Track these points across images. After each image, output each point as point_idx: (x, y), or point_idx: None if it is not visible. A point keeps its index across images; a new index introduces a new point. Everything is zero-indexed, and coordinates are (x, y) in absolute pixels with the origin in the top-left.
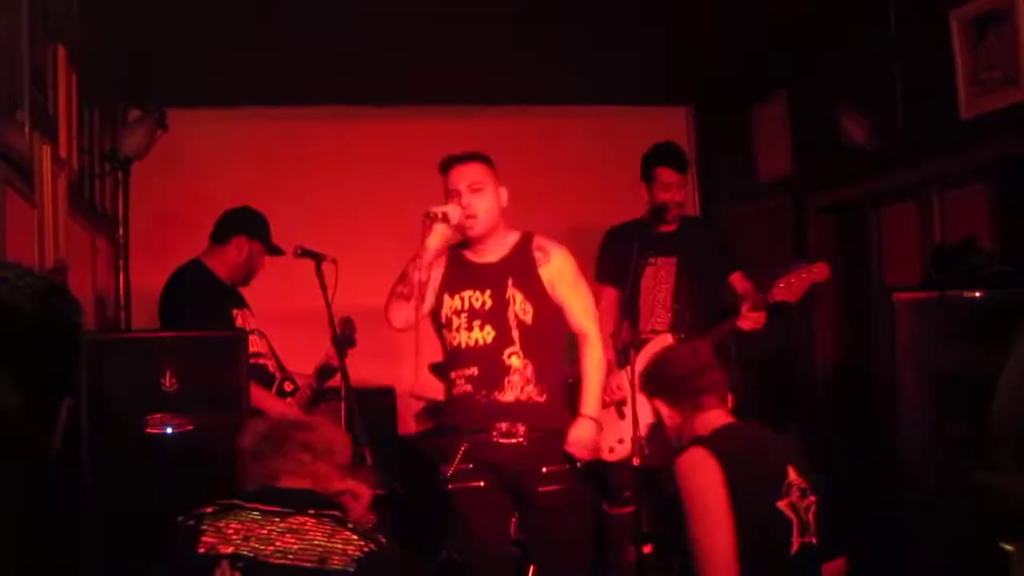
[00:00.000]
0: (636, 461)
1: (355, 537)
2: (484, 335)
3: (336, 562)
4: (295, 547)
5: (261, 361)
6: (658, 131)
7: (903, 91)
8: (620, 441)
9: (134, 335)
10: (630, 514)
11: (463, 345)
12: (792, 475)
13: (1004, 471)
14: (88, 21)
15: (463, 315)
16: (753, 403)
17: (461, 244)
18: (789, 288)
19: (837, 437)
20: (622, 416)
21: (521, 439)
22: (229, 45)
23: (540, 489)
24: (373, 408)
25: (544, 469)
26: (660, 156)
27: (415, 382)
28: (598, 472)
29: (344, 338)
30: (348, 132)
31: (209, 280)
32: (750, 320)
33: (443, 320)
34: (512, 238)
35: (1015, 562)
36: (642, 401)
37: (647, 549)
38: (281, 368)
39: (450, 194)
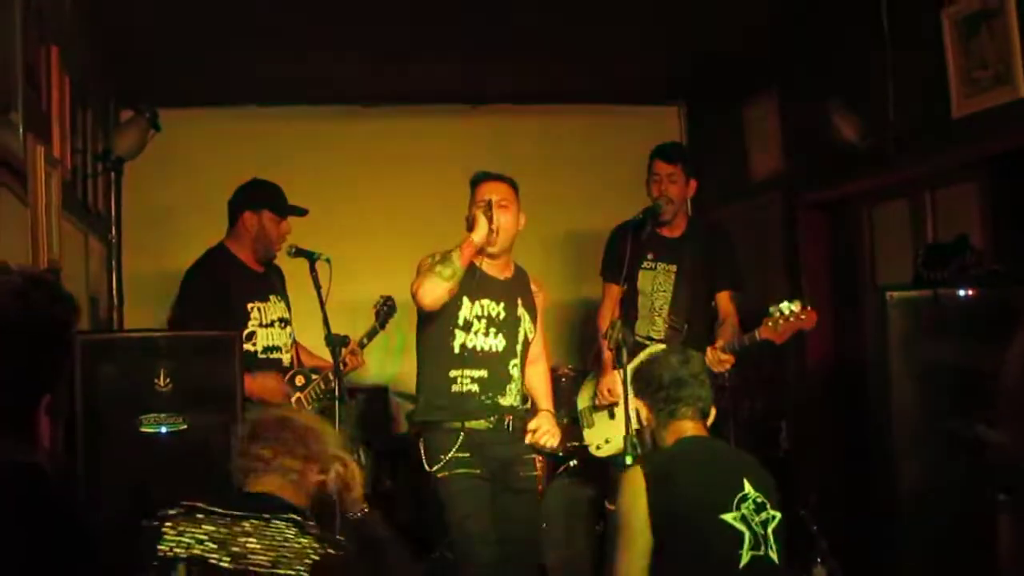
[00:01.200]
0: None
1: (311, 542)
2: (496, 343)
3: (289, 567)
4: (251, 551)
5: (275, 356)
6: (650, 130)
7: (895, 89)
8: (607, 440)
9: (127, 335)
10: None
11: (477, 348)
12: (748, 488)
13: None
14: (81, 21)
15: (483, 320)
16: (744, 400)
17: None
18: (776, 330)
19: (828, 434)
20: (612, 416)
21: (512, 433)
22: (222, 45)
23: (521, 474)
24: (367, 407)
25: (524, 456)
26: (655, 150)
27: None
28: (601, 471)
29: (388, 310)
30: (343, 131)
31: (222, 270)
32: (717, 363)
33: (461, 321)
34: (512, 263)
35: (1003, 510)
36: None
37: None
38: (298, 361)
39: (477, 204)
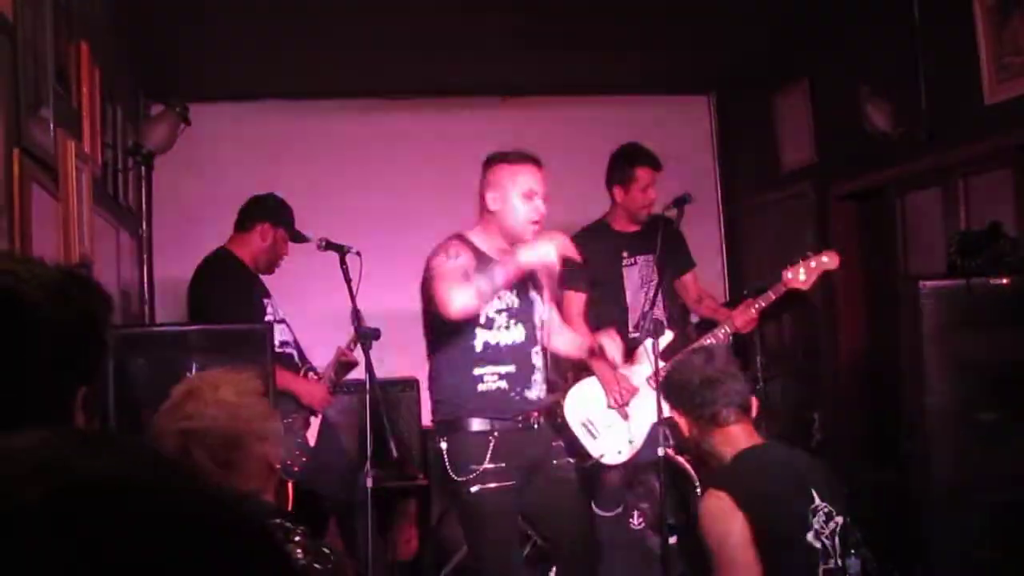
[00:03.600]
0: (662, 451)
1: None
2: (518, 334)
3: None
4: None
5: (288, 351)
6: (681, 119)
7: (926, 76)
8: (630, 442)
9: (159, 329)
10: (617, 516)
11: (502, 344)
12: (816, 499)
13: None
14: (111, 17)
15: (503, 314)
16: (777, 393)
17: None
18: (799, 277)
19: (862, 424)
20: (627, 417)
21: (539, 431)
22: (251, 39)
23: (555, 463)
24: (396, 400)
25: (554, 451)
26: (637, 156)
27: None
28: (588, 474)
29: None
30: (371, 125)
31: (237, 268)
32: (749, 323)
33: (483, 320)
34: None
35: None
36: (650, 396)
37: (672, 540)
38: (304, 358)
39: (529, 194)
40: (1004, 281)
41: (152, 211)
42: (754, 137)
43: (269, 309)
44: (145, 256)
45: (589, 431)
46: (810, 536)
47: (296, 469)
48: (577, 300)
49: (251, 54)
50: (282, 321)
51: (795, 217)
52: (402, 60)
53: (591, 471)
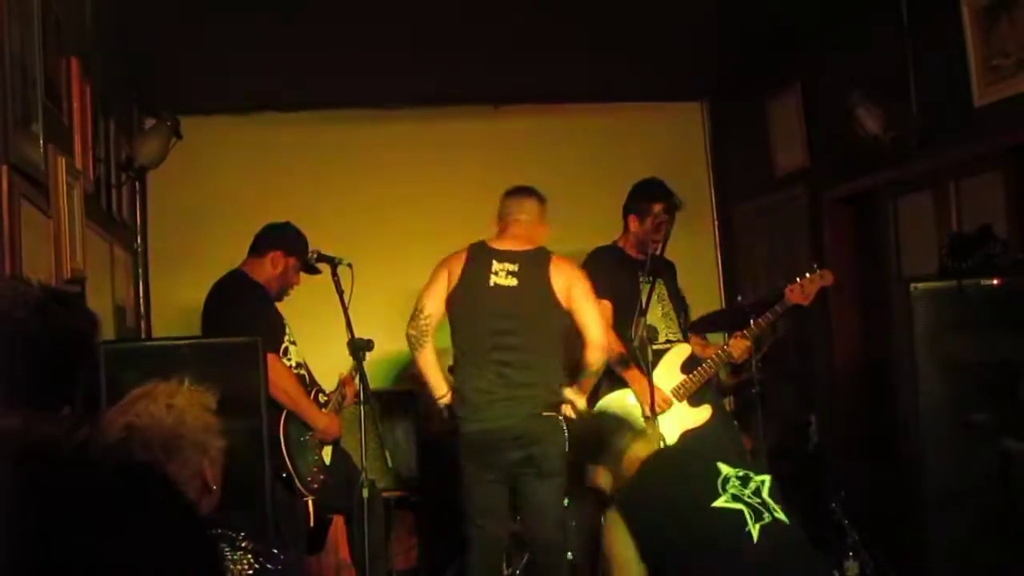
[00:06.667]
0: None
1: (244, 556)
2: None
3: None
4: None
5: (301, 372)
6: (675, 126)
7: (916, 80)
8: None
9: (151, 343)
10: None
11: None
12: (725, 469)
13: None
14: (102, 30)
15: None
16: (773, 396)
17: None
18: (802, 292)
19: (857, 427)
20: (658, 427)
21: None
22: (243, 51)
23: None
24: (394, 411)
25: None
26: (658, 194)
27: None
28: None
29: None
30: (364, 136)
31: (257, 289)
32: (743, 351)
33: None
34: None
35: None
36: (676, 411)
37: None
38: (313, 380)
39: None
40: (995, 282)
41: (147, 225)
42: (747, 142)
43: (288, 330)
44: (140, 270)
45: None
46: (722, 502)
47: (315, 487)
48: (606, 309)
49: (245, 66)
50: (294, 342)
51: (788, 221)
52: (396, 70)
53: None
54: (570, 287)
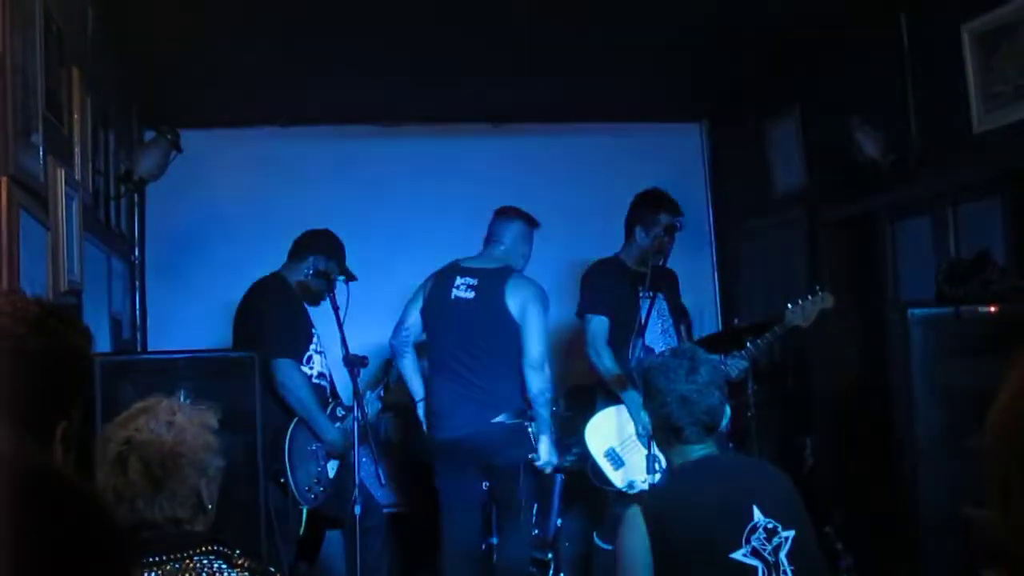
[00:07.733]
0: None
1: None
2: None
3: None
4: None
5: (322, 383)
6: (673, 147)
7: (916, 105)
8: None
9: (147, 356)
10: None
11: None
12: (757, 515)
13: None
14: (104, 42)
15: None
16: (769, 418)
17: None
18: (802, 314)
19: (853, 450)
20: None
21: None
22: (243, 66)
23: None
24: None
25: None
26: (664, 204)
27: None
28: (592, 503)
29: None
30: (363, 151)
31: (293, 293)
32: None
33: None
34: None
35: None
36: None
37: None
38: (335, 393)
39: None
40: (992, 309)
41: (145, 237)
42: (746, 164)
43: (315, 340)
44: (138, 283)
45: (612, 461)
46: (740, 554)
47: (312, 497)
48: (600, 325)
49: (246, 81)
50: (321, 352)
51: (786, 243)
52: (395, 87)
53: (600, 500)
54: (524, 305)
